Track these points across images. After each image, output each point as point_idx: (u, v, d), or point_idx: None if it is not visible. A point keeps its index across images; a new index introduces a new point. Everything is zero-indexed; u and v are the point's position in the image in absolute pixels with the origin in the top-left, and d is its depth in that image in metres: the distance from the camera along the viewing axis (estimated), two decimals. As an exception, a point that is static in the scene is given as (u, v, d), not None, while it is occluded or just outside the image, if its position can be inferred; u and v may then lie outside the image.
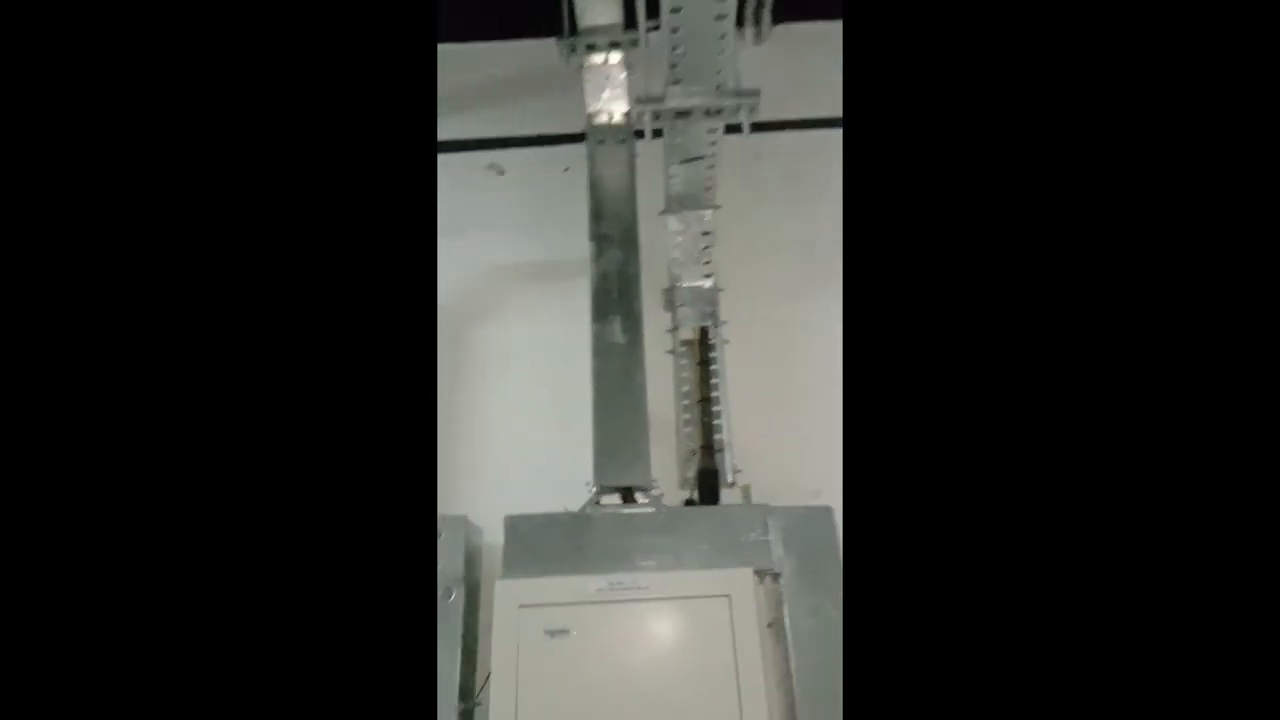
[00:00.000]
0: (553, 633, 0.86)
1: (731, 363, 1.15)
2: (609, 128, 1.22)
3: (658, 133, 1.02)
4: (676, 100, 0.91)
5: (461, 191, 1.37)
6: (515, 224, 1.39)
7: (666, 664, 0.88)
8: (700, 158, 1.02)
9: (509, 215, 1.40)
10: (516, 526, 0.95)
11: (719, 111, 0.92)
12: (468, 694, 0.89)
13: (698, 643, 0.88)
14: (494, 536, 0.98)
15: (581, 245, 1.19)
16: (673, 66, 0.86)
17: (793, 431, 1.19)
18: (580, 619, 0.88)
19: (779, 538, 0.95)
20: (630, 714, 0.85)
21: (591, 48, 1.16)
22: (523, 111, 1.50)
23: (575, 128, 1.36)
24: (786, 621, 0.90)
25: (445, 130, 1.47)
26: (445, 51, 1.57)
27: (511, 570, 0.91)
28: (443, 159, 1.41)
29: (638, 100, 0.92)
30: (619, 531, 0.95)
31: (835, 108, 1.53)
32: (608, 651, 0.87)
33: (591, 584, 0.89)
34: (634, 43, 1.11)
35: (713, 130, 0.98)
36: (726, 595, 0.90)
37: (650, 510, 0.97)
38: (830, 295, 1.37)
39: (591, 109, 1.24)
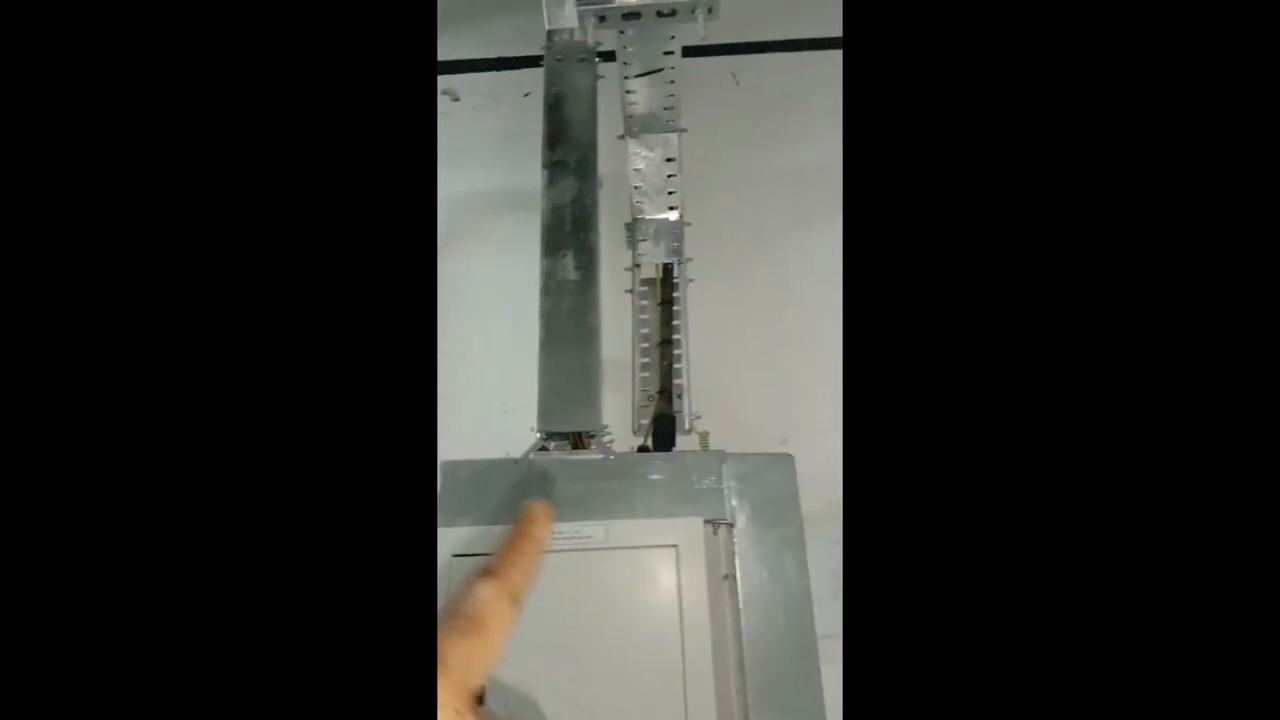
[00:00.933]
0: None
1: (696, 303, 1.07)
2: (569, 45, 1.11)
3: (610, 56, 0.93)
4: (624, -2, 0.81)
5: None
6: (473, 153, 1.30)
7: (607, 616, 0.83)
8: (658, 70, 0.92)
9: (466, 144, 1.30)
10: (455, 473, 0.89)
11: (673, 12, 0.81)
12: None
13: (641, 594, 0.83)
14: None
15: (537, 175, 1.10)
16: (619, -42, 0.76)
17: (761, 377, 1.11)
18: (517, 569, 0.82)
19: (734, 486, 0.89)
20: (566, 666, 0.80)
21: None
22: (480, 33, 1.39)
23: (537, 49, 1.25)
24: (738, 574, 0.85)
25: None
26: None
27: (449, 518, 0.86)
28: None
29: (580, 1, 0.82)
30: (564, 479, 0.90)
31: (825, 28, 1.42)
32: (544, 603, 0.82)
33: (531, 533, 0.84)
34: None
35: (671, 38, 0.88)
36: (674, 545, 0.85)
37: (598, 457, 0.91)
38: (808, 234, 1.28)
39: (551, 25, 1.13)
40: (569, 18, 1.14)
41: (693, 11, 0.81)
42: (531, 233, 1.19)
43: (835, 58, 1.36)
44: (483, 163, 1.30)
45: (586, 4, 0.80)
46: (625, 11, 0.81)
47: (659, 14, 0.81)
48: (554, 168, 1.09)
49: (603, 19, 0.82)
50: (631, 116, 1.01)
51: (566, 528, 0.89)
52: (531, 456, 0.94)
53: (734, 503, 0.91)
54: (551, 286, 1.03)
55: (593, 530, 0.88)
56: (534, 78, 1.25)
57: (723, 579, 0.89)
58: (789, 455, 0.96)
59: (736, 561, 0.89)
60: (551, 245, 1.03)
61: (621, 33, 0.88)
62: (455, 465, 0.94)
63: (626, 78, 0.95)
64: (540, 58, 1.25)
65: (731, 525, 0.90)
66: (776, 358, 1.17)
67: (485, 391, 1.13)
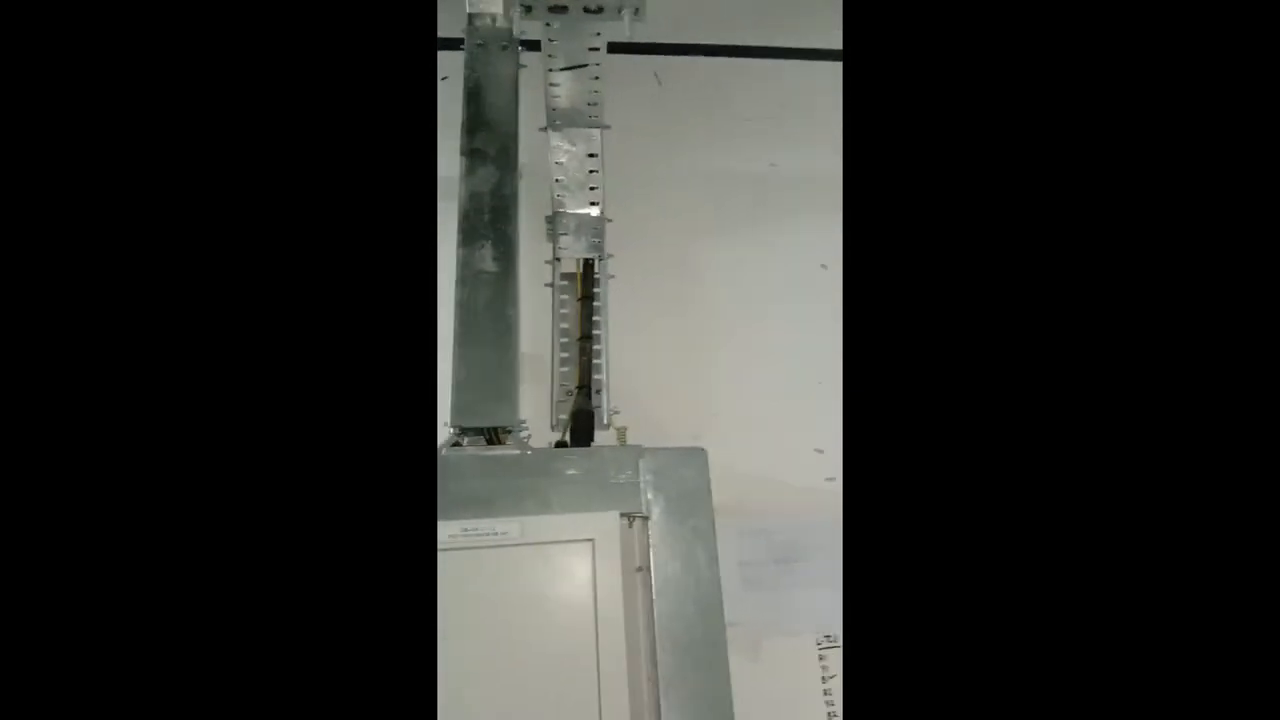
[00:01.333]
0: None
1: (616, 300, 1.08)
2: (491, 30, 1.08)
3: (535, 46, 0.92)
4: (551, -9, 0.80)
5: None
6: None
7: (523, 612, 0.82)
8: (583, 66, 0.91)
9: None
10: (361, 468, 0.85)
11: (599, 9, 0.82)
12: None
13: (557, 589, 0.84)
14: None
15: (453, 162, 1.07)
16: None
17: (676, 375, 1.14)
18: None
19: (649, 480, 0.91)
20: (481, 663, 0.80)
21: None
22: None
23: (456, 32, 1.21)
24: (651, 566, 0.87)
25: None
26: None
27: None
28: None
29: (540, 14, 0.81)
30: (481, 474, 0.88)
31: (749, 36, 1.46)
32: (460, 601, 0.81)
33: (445, 530, 0.82)
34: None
35: (596, 35, 0.88)
36: (590, 539, 0.86)
37: (514, 452, 0.90)
38: (727, 236, 1.32)
39: (472, 9, 1.10)
40: (492, 2, 1.11)
41: (619, 11, 0.81)
42: (444, 221, 1.16)
43: (761, 66, 1.41)
44: (396, 145, 1.24)
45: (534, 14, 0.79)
46: (551, 4, 0.80)
47: (585, 10, 0.81)
48: (473, 155, 1.06)
49: (529, 9, 0.81)
50: (554, 109, 1.00)
51: (480, 524, 0.88)
52: (444, 452, 0.91)
53: (649, 496, 0.93)
54: (468, 277, 1.00)
55: (508, 527, 0.87)
56: (451, 61, 1.21)
57: (636, 570, 0.91)
58: (702, 450, 0.99)
59: (650, 554, 0.91)
60: (469, 235, 1.00)
61: (547, 25, 0.87)
62: (362, 461, 0.90)
63: (550, 70, 0.94)
64: (459, 40, 1.21)
65: (647, 518, 0.92)
66: (690, 355, 1.20)
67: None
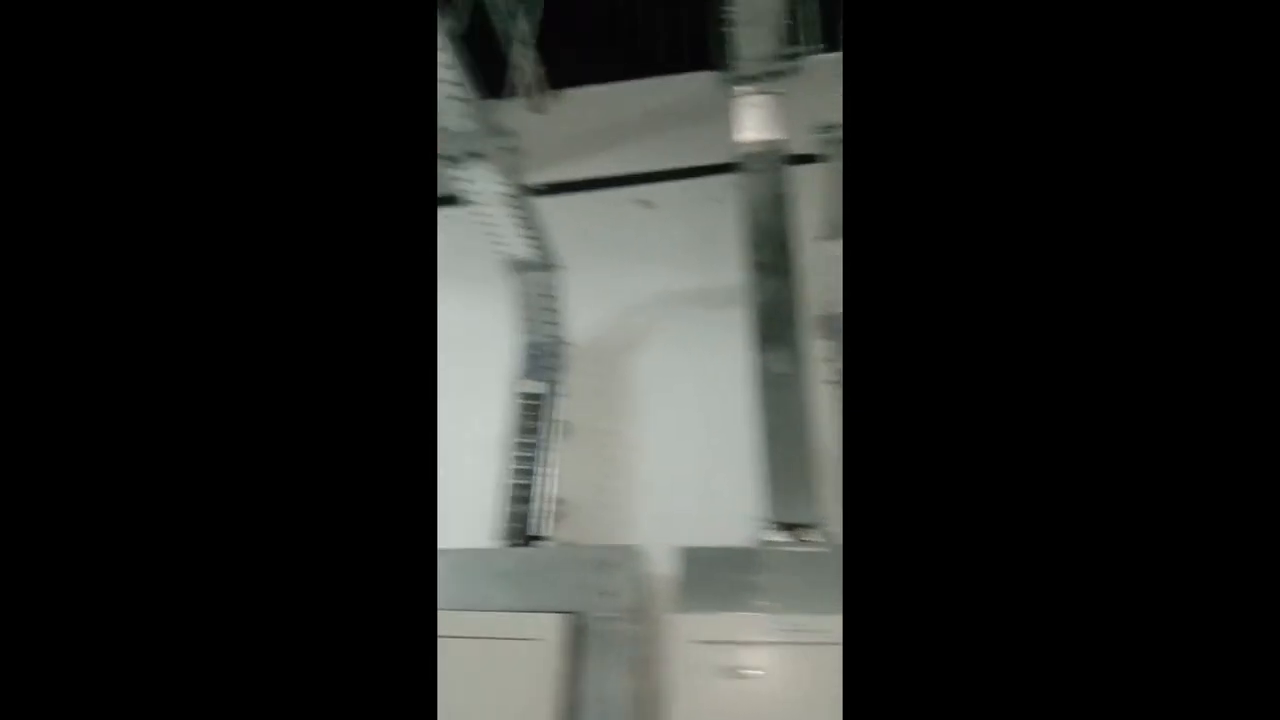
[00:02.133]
0: (731, 672, 0.83)
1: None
2: (762, 156, 1.21)
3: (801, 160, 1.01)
4: (854, 127, 0.89)
5: (613, 225, 1.41)
6: (666, 255, 1.41)
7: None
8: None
9: (660, 247, 1.42)
10: (691, 559, 0.94)
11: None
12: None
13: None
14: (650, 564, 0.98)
15: (729, 275, 1.18)
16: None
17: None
18: (760, 660, 0.85)
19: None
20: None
21: (749, 78, 1.16)
22: (669, 145, 1.53)
23: (722, 158, 1.36)
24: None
25: (594, 168, 1.55)
26: (591, 93, 1.64)
27: (686, 604, 0.90)
28: (594, 195, 1.49)
29: (812, 129, 0.91)
30: (791, 569, 0.92)
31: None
32: (787, 695, 0.83)
33: (772, 624, 0.86)
34: (795, 70, 1.10)
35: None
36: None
37: (825, 550, 0.93)
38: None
39: (744, 138, 1.24)
40: (761, 128, 1.25)
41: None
42: (720, 327, 1.26)
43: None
44: (675, 264, 1.40)
45: (820, 132, 0.89)
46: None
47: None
48: (759, 268, 1.16)
49: (830, 143, 0.90)
50: (834, 221, 1.08)
51: (805, 619, 0.91)
52: (762, 548, 0.97)
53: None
54: (764, 380, 1.08)
55: (830, 624, 0.89)
56: (721, 184, 1.35)
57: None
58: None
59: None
60: (762, 341, 1.09)
61: (838, 153, 0.96)
62: (691, 552, 0.98)
63: (837, 190, 1.03)
64: (724, 166, 1.36)
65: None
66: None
67: (680, 480, 1.19)
